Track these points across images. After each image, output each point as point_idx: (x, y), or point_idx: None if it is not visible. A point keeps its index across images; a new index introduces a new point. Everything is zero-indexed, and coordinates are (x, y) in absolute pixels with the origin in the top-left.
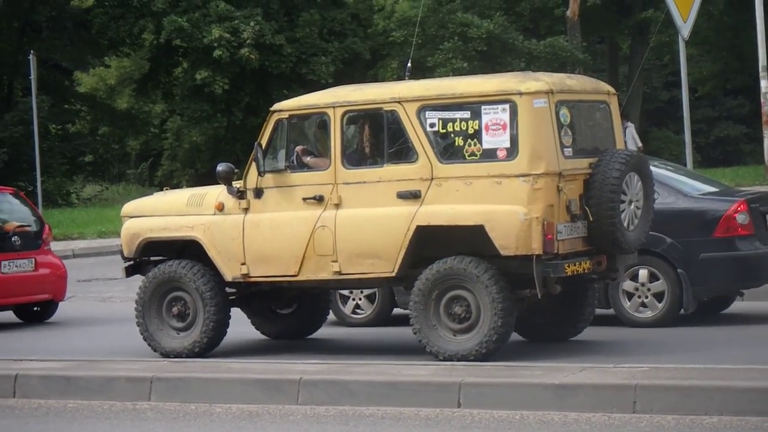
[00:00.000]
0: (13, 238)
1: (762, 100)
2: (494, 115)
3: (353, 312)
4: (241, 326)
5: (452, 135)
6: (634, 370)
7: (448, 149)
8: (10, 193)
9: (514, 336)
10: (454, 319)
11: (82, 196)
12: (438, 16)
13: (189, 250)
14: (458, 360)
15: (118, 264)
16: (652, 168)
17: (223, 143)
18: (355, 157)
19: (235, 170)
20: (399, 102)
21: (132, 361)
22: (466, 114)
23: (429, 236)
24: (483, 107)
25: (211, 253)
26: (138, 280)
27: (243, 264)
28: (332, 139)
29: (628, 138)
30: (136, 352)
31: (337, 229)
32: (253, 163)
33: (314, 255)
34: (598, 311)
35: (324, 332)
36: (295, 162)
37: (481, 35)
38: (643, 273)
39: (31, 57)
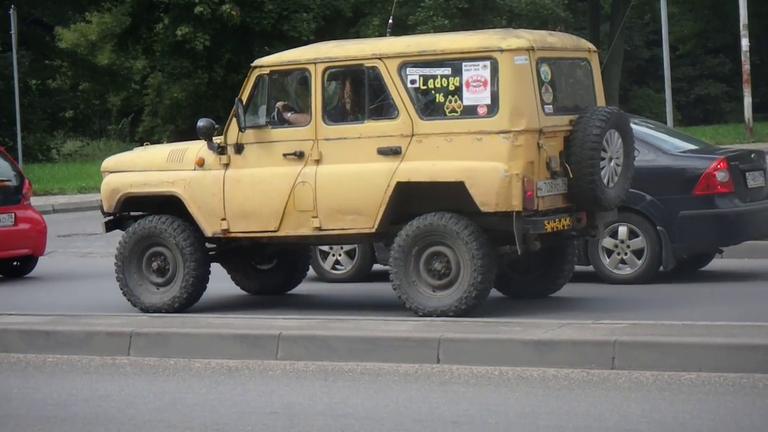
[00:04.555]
0: None
1: (743, 59)
2: (475, 72)
3: (333, 268)
4: (220, 282)
5: (433, 91)
6: (613, 327)
7: (428, 106)
8: None
9: (494, 292)
10: (433, 275)
11: (63, 152)
12: None
13: (169, 205)
14: (438, 316)
15: (98, 219)
16: (632, 125)
17: (204, 99)
18: (335, 114)
19: (216, 126)
20: (380, 58)
21: (111, 316)
22: (447, 71)
23: (409, 192)
24: (464, 64)
25: (192, 208)
26: (118, 235)
27: (223, 219)
28: (313, 95)
29: None
30: (115, 307)
31: (317, 185)
32: (234, 119)
33: (294, 211)
34: (578, 268)
35: (303, 288)
36: (275, 118)
37: None
38: (622, 230)
39: (11, 12)
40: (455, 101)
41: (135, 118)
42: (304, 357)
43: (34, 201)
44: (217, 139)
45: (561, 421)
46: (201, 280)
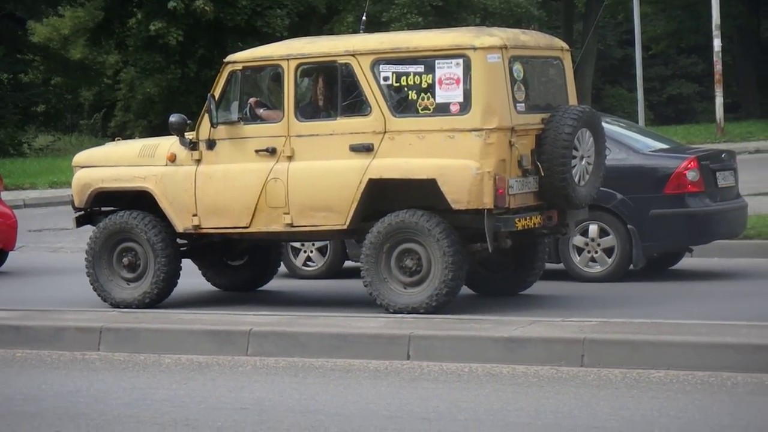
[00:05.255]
0: None
1: (715, 59)
2: (448, 70)
3: (304, 264)
4: (192, 278)
5: (406, 89)
6: (582, 324)
7: (401, 103)
8: None
9: (465, 289)
10: (404, 272)
11: (34, 146)
12: None
13: (140, 201)
14: (408, 313)
15: (69, 214)
16: (604, 124)
17: (176, 95)
18: (308, 110)
19: (188, 121)
20: (353, 55)
21: (82, 311)
22: (420, 68)
23: (381, 189)
24: (437, 61)
25: (163, 204)
26: (89, 230)
27: (194, 215)
28: (286, 91)
29: None
30: (86, 302)
31: (289, 182)
32: (206, 115)
33: (266, 207)
34: (548, 266)
35: (275, 284)
36: (248, 114)
37: None
38: (593, 228)
39: None
40: (428, 98)
41: (107, 113)
42: (274, 353)
43: (5, 195)
44: (189, 135)
45: (530, 418)
46: (172, 275)
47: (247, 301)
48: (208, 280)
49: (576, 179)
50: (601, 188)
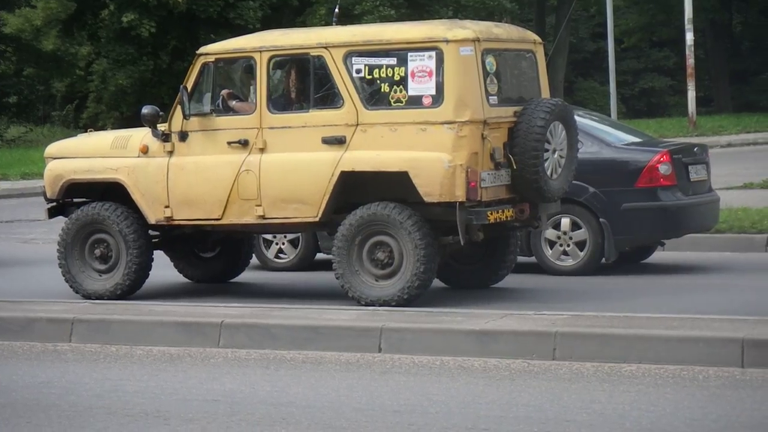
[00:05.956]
0: None
1: (687, 53)
2: (420, 62)
3: (276, 256)
4: (163, 269)
5: (378, 81)
6: (554, 318)
7: (373, 95)
8: None
9: (436, 282)
10: (376, 265)
11: (6, 137)
12: None
13: (113, 192)
14: (380, 305)
15: (41, 205)
16: (576, 118)
17: (149, 87)
18: (280, 102)
19: (161, 113)
20: (326, 47)
21: (53, 303)
22: (393, 60)
23: (353, 182)
24: (409, 54)
25: (135, 195)
26: (61, 221)
27: (167, 207)
28: (258, 83)
29: None
30: (57, 293)
31: (261, 174)
32: (179, 107)
33: (238, 199)
34: (520, 259)
35: (247, 276)
36: (220, 106)
37: None
38: (565, 222)
39: None
40: (400, 91)
41: (79, 104)
42: (246, 345)
43: None
44: (162, 127)
45: (501, 411)
46: (144, 267)
47: (219, 292)
48: (180, 272)
49: (548, 172)
50: (574, 181)
